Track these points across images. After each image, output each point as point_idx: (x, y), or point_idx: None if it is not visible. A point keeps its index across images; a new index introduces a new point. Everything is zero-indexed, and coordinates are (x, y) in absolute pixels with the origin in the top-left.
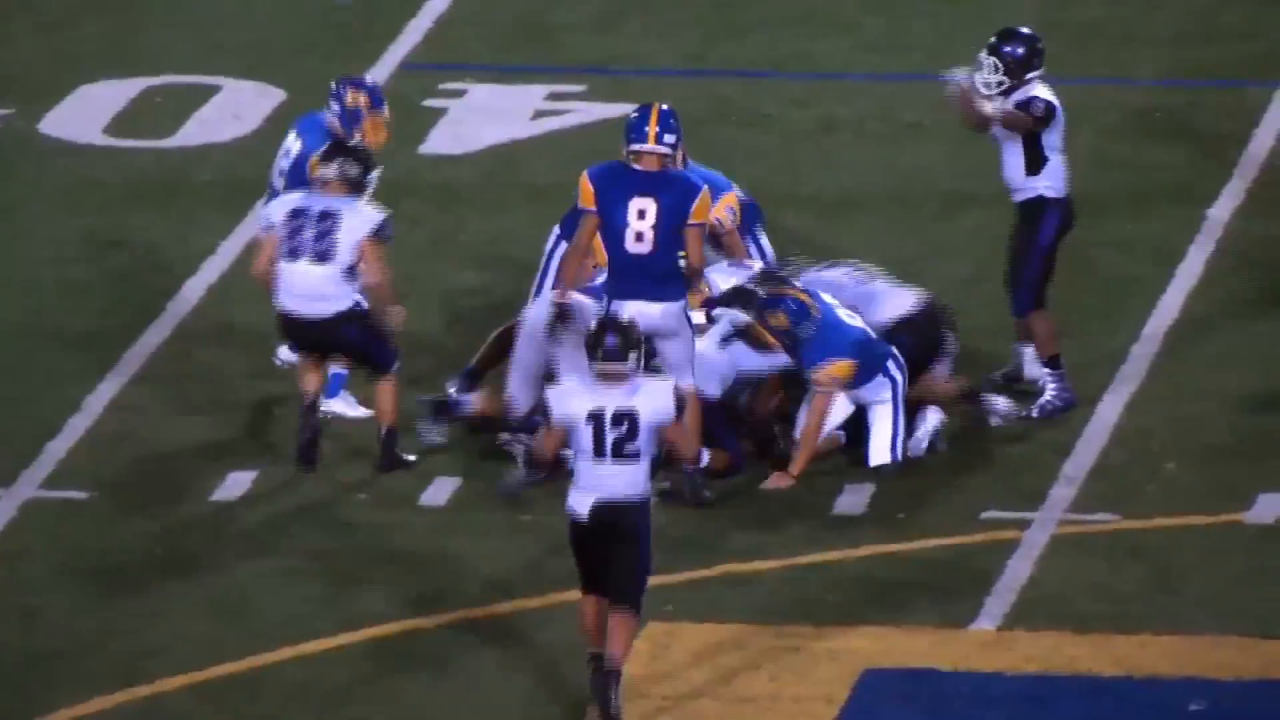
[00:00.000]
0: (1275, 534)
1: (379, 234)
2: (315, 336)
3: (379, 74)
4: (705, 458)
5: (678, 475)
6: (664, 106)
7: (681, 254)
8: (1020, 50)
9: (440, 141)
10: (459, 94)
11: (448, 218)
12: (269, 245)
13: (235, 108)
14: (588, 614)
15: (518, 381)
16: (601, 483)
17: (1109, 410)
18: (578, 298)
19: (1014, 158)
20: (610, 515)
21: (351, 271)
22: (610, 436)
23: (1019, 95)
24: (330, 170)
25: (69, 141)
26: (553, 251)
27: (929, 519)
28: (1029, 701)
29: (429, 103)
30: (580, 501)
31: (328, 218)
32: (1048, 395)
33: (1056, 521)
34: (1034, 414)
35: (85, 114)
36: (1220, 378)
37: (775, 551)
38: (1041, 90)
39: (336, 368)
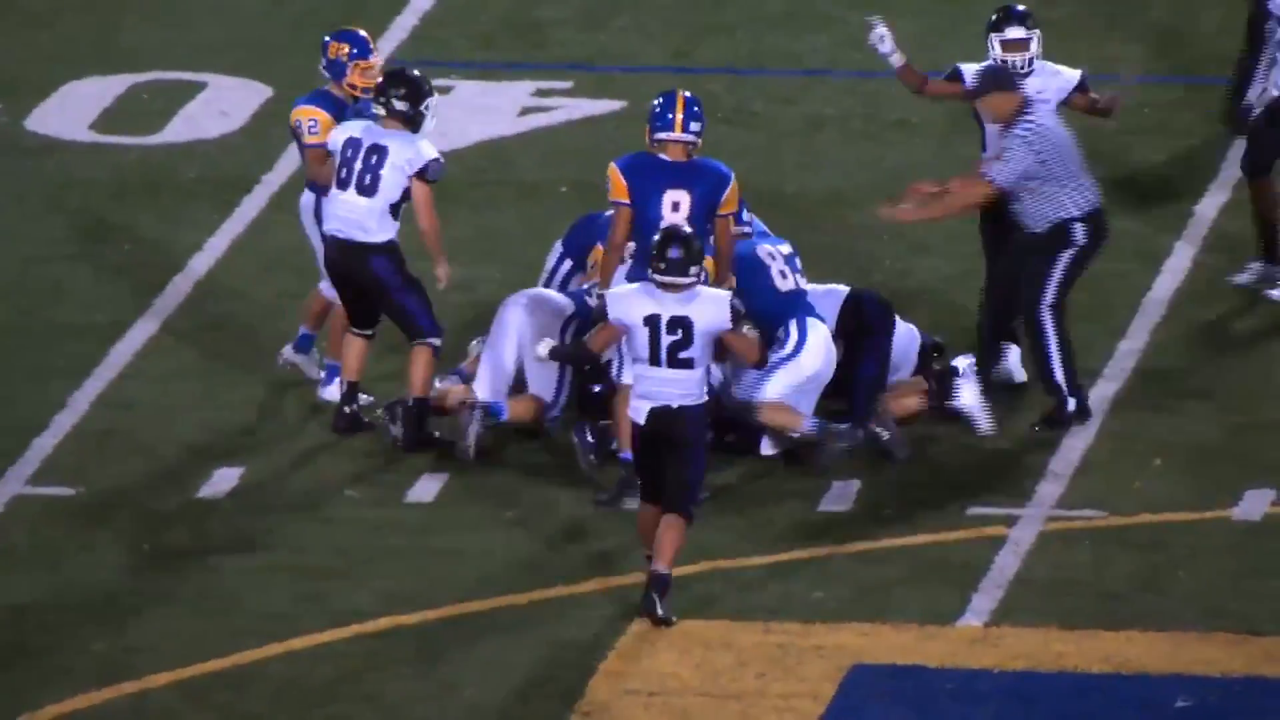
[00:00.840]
0: (1262, 530)
1: (424, 174)
2: (352, 265)
3: None
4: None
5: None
6: (688, 94)
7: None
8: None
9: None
10: (445, 91)
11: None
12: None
13: (222, 104)
14: (644, 520)
15: (486, 372)
16: (657, 389)
17: (1095, 407)
18: (531, 293)
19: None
20: (665, 421)
21: (395, 210)
22: (665, 342)
23: (1055, 74)
24: (380, 108)
25: (55, 138)
26: (555, 268)
27: (916, 515)
28: (1016, 698)
29: None
30: (638, 408)
31: (376, 152)
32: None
33: (1043, 518)
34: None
35: (71, 111)
36: (1207, 374)
37: (762, 548)
38: (1056, 66)
39: (304, 328)
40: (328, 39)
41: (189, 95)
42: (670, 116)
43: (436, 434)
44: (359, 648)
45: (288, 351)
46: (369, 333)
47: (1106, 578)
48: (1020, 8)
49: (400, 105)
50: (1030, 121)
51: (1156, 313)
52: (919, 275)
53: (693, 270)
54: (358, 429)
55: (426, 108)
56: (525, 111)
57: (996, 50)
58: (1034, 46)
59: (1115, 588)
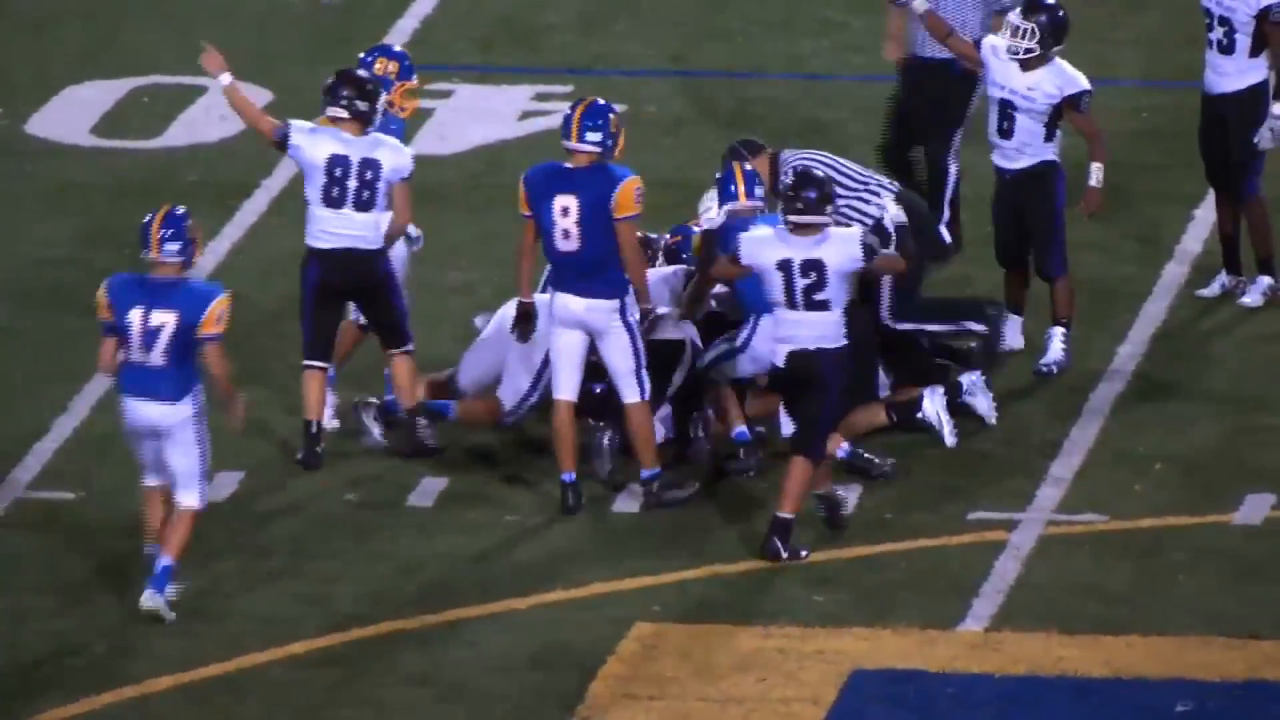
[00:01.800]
0: (1262, 535)
1: (410, 176)
2: (358, 273)
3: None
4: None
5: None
6: (596, 102)
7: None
8: (1055, 21)
9: (427, 142)
10: (445, 95)
11: (434, 218)
12: None
13: (222, 109)
14: (803, 479)
15: (468, 371)
16: (794, 332)
17: (1095, 412)
18: (538, 298)
19: (1036, 125)
20: (802, 364)
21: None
22: (799, 285)
23: (1056, 78)
24: (339, 110)
25: (56, 142)
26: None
27: (916, 520)
28: (1016, 702)
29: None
30: (777, 351)
31: (369, 167)
32: (1060, 355)
33: (1044, 522)
34: (1052, 370)
35: (72, 115)
36: (1207, 379)
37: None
38: (1073, 71)
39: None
40: (374, 52)
41: (189, 100)
42: (569, 126)
43: (432, 443)
44: (359, 652)
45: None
46: (326, 365)
47: (1107, 582)
48: (1037, 4)
49: (363, 106)
50: None
51: (1156, 317)
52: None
53: (827, 209)
54: (425, 453)
55: (379, 105)
56: (525, 115)
57: (1003, 30)
58: (1028, 38)
59: (1116, 592)
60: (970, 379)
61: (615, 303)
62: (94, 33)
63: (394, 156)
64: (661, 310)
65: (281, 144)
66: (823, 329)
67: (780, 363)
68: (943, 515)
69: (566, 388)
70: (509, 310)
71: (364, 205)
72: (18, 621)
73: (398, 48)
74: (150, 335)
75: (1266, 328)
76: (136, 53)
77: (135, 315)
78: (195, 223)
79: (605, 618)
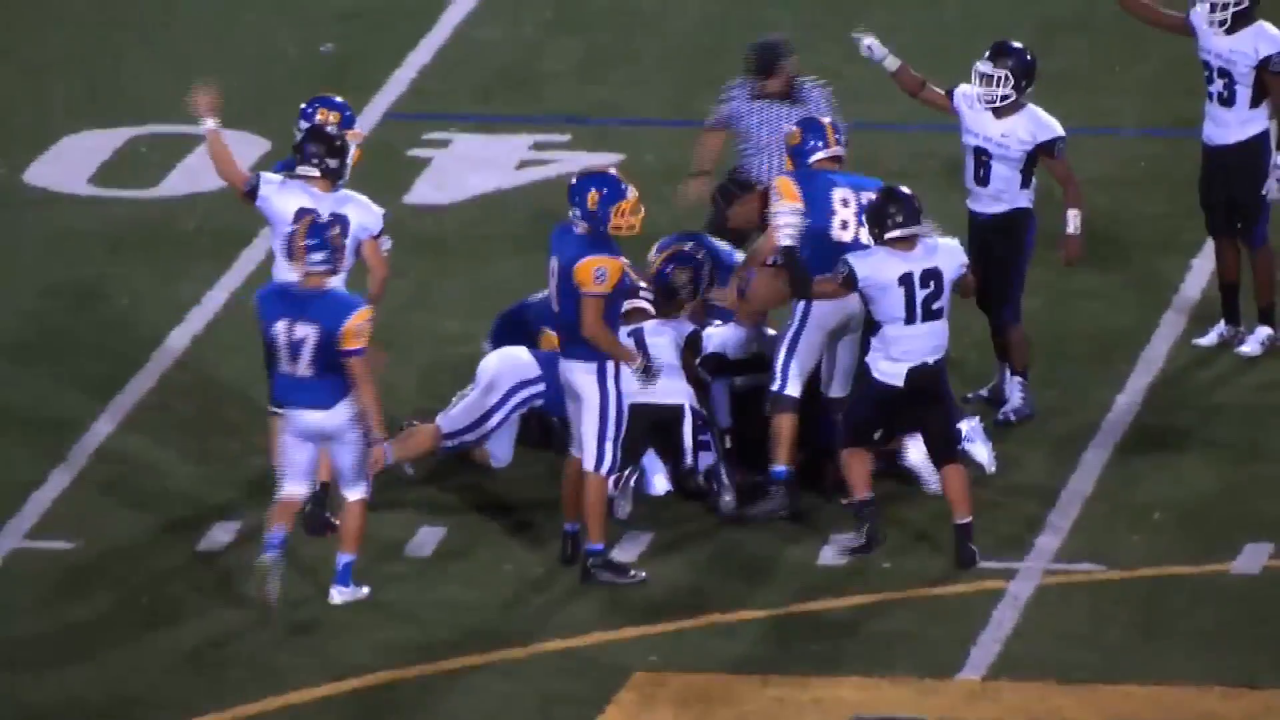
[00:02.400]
0: (1261, 584)
1: (381, 233)
2: None
3: (364, 124)
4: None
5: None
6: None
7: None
8: (1024, 64)
9: (425, 191)
10: (443, 144)
11: (432, 267)
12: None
13: None
14: (861, 467)
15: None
16: (914, 346)
17: (1094, 460)
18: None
19: (1011, 172)
20: (925, 378)
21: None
22: (920, 297)
23: (1030, 124)
24: (310, 168)
25: (54, 191)
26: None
27: (914, 568)
28: None
29: (414, 153)
30: (893, 371)
31: (339, 223)
32: (1019, 403)
33: (1042, 571)
34: (1011, 418)
35: (70, 164)
36: (1206, 428)
37: (760, 601)
38: (1047, 118)
39: None
40: (315, 103)
41: (187, 148)
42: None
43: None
44: (358, 701)
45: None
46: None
47: (1105, 631)
48: (1005, 44)
49: (332, 163)
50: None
51: (1155, 366)
52: None
53: (925, 220)
54: (328, 528)
55: (346, 161)
56: (523, 164)
57: (974, 79)
58: (1002, 85)
59: (1114, 641)
60: (970, 425)
61: (592, 365)
62: (92, 81)
63: (361, 213)
64: (665, 361)
65: (250, 195)
66: (940, 339)
67: (900, 382)
68: (940, 564)
69: (578, 444)
70: (489, 362)
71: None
72: (15, 671)
73: (339, 98)
74: (295, 347)
75: (1265, 377)
76: (134, 101)
77: (280, 327)
78: (339, 232)
79: (603, 667)
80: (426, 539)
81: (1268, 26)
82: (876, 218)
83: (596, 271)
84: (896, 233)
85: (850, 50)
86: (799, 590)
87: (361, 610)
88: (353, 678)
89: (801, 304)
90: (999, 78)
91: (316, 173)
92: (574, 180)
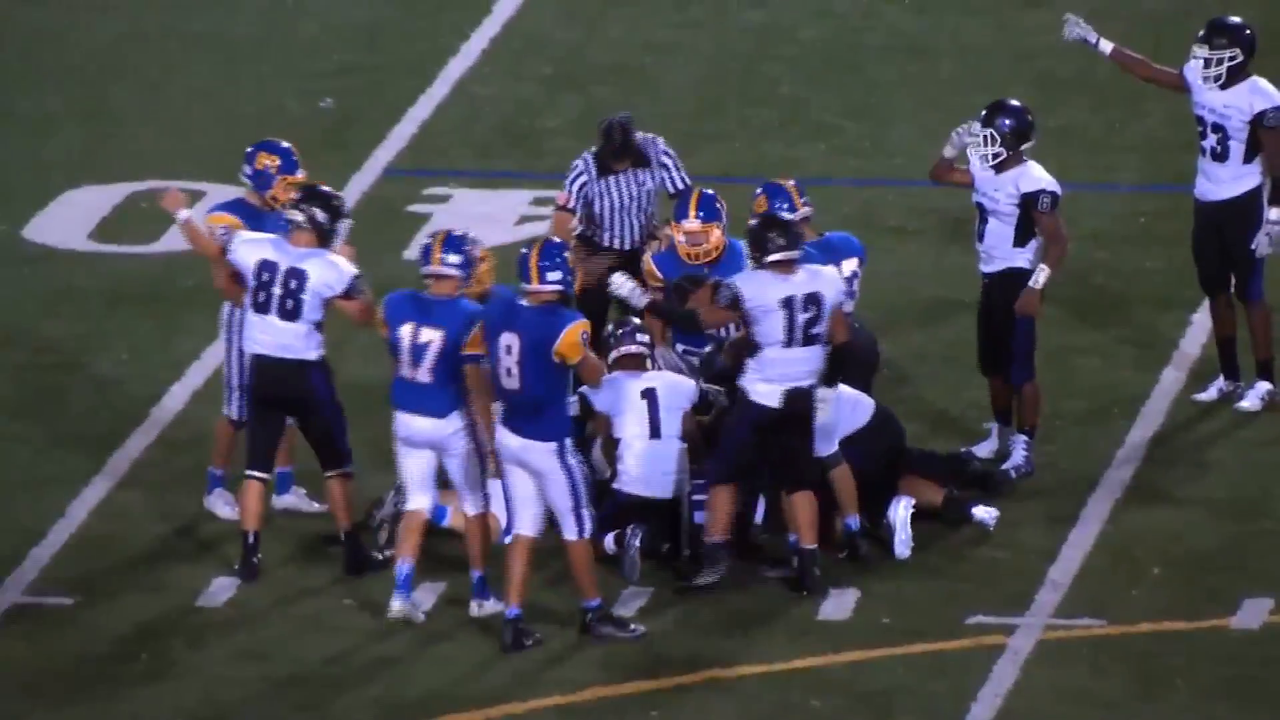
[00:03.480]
0: (1260, 639)
1: (350, 294)
2: (286, 383)
3: (363, 179)
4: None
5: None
6: (549, 241)
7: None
8: (1014, 121)
9: None
10: (443, 199)
11: None
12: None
13: None
14: (728, 507)
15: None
16: (791, 369)
17: (1094, 516)
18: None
19: (1005, 228)
20: (799, 401)
21: (320, 326)
22: (800, 320)
23: (1018, 178)
24: (299, 216)
25: (53, 247)
26: None
27: (914, 624)
28: None
29: (413, 208)
30: (768, 393)
31: (295, 276)
32: (1021, 460)
33: (1042, 627)
34: (1012, 475)
35: (69, 220)
36: (1205, 483)
37: (759, 657)
38: (1039, 172)
39: (281, 466)
40: (253, 150)
41: (187, 204)
42: (526, 266)
43: (378, 555)
44: None
45: (277, 501)
46: (265, 476)
47: (1104, 687)
48: (998, 103)
49: (322, 217)
50: None
51: (1154, 421)
52: (918, 383)
53: (800, 245)
54: (370, 568)
55: (340, 225)
56: (523, 220)
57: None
58: (991, 144)
59: (1113, 697)
60: (987, 512)
61: (554, 445)
62: (91, 136)
63: (324, 271)
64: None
65: (223, 252)
66: (815, 363)
67: (776, 403)
68: (941, 619)
69: (524, 522)
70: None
71: (288, 314)
72: None
73: (284, 143)
74: (418, 351)
75: (1264, 432)
76: (134, 156)
77: (406, 330)
78: (476, 243)
79: None
80: (426, 592)
81: (1262, 82)
82: (756, 242)
83: (583, 336)
84: (776, 255)
85: (849, 104)
86: (799, 645)
87: (360, 666)
88: None
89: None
90: (987, 137)
91: (305, 224)
92: (543, 250)
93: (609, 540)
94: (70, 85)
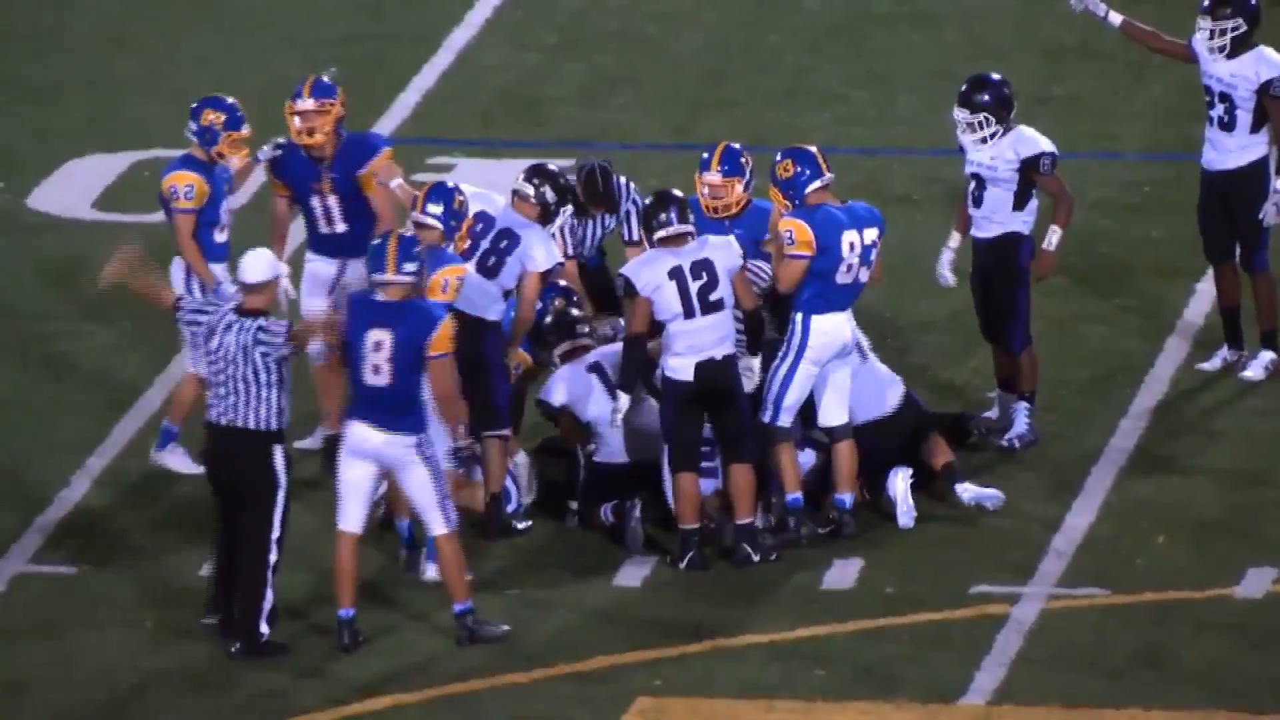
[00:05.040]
0: (1264, 608)
1: (549, 272)
2: (461, 340)
3: None
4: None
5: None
6: (404, 236)
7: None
8: (995, 95)
9: None
10: (447, 169)
11: None
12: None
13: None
14: (685, 487)
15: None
16: (698, 340)
17: (1098, 485)
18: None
19: (1004, 193)
20: (714, 372)
21: (507, 295)
22: (694, 288)
23: (1015, 143)
24: (529, 190)
25: (58, 216)
26: None
27: (918, 593)
28: None
29: (417, 177)
30: (680, 367)
31: (506, 237)
32: (1024, 429)
33: (1046, 596)
34: (1015, 444)
35: (74, 189)
36: (1209, 452)
37: (763, 626)
38: (1032, 134)
39: (169, 421)
40: (198, 105)
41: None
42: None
43: (520, 525)
44: None
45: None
46: (505, 432)
47: (1109, 656)
48: (976, 83)
49: (550, 197)
50: None
51: (1158, 391)
52: (922, 352)
53: (691, 218)
54: (508, 534)
55: (563, 209)
56: None
57: (959, 129)
58: (982, 128)
59: (1118, 666)
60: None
61: (414, 439)
62: (96, 106)
63: (536, 245)
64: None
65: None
66: (722, 330)
67: (689, 376)
68: (945, 589)
69: (352, 520)
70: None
71: (487, 271)
72: (18, 695)
73: (229, 99)
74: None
75: (1268, 401)
76: (138, 126)
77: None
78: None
79: (607, 692)
80: (430, 564)
81: (1268, 51)
82: (647, 222)
83: (454, 332)
84: (663, 232)
85: (851, 75)
86: (803, 615)
87: (365, 634)
88: (356, 702)
89: (796, 337)
90: (977, 121)
91: (531, 193)
92: (401, 242)
93: (605, 510)
94: (75, 54)
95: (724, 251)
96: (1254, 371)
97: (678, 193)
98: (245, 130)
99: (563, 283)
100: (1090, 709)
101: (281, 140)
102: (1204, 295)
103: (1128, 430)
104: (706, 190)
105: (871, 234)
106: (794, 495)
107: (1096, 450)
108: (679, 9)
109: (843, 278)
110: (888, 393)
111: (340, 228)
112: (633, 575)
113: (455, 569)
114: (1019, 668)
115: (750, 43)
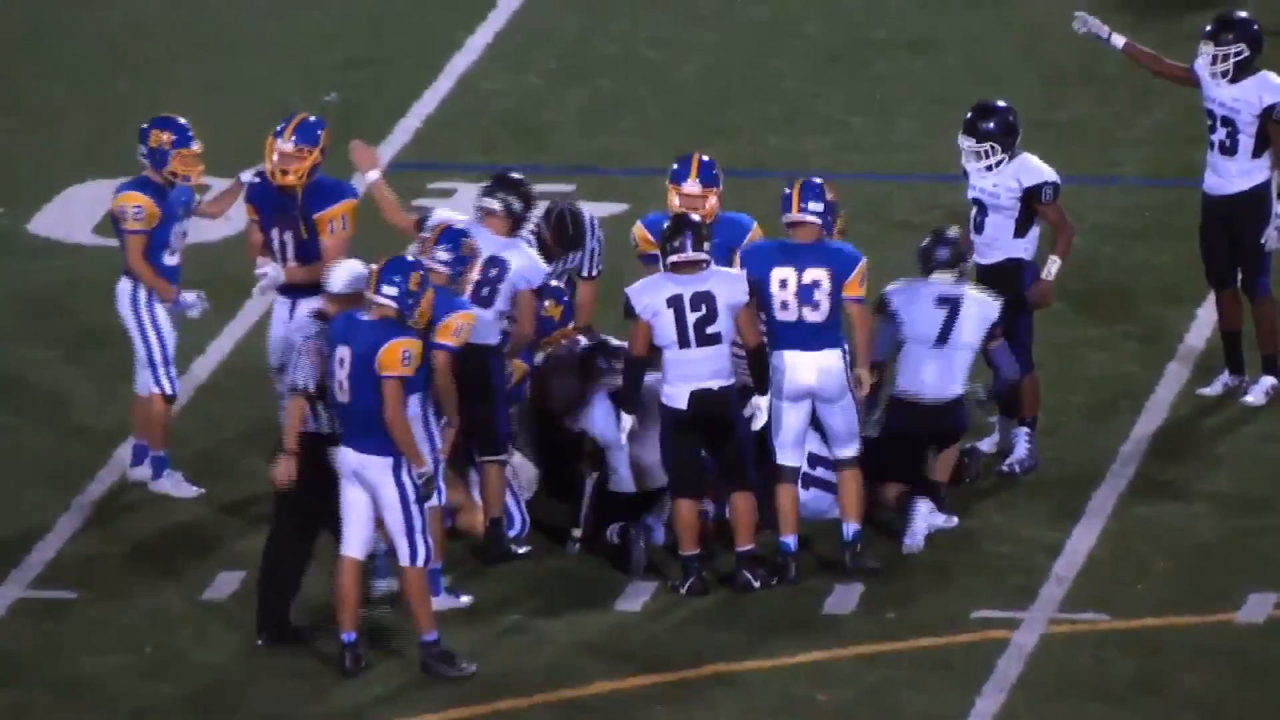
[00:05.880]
0: (1265, 634)
1: (541, 291)
2: (466, 368)
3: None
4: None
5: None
6: (398, 259)
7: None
8: (1000, 123)
9: None
10: (448, 194)
11: None
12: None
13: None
14: (684, 514)
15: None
16: (692, 370)
17: (1098, 510)
18: None
19: (1005, 220)
20: (710, 403)
21: (503, 315)
22: (691, 319)
23: (1018, 172)
24: (495, 204)
25: (58, 241)
26: None
27: (919, 618)
28: None
29: (418, 202)
30: (675, 394)
31: (496, 265)
32: (1024, 454)
33: (1046, 621)
34: (1016, 470)
35: (74, 214)
36: (1210, 478)
37: (764, 651)
38: (1036, 164)
39: (155, 450)
40: (146, 127)
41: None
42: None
43: (517, 550)
44: None
45: (153, 485)
46: (504, 457)
47: (1109, 681)
48: (982, 110)
49: (517, 206)
50: None
51: (1159, 416)
52: None
53: (705, 246)
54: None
55: (532, 213)
56: None
57: (964, 156)
58: (987, 156)
59: (1117, 691)
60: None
61: (389, 460)
62: (96, 131)
63: (524, 263)
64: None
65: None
66: (717, 364)
67: (684, 404)
68: (945, 614)
69: (353, 544)
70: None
71: (482, 301)
72: (19, 718)
73: (179, 119)
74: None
75: (1269, 426)
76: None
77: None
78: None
79: (608, 717)
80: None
81: (1271, 76)
82: (663, 246)
83: (404, 354)
84: (675, 257)
85: (854, 99)
86: (803, 640)
87: (366, 659)
88: None
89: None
90: (984, 150)
91: (498, 206)
92: (386, 265)
93: (612, 532)
94: (75, 78)
95: (730, 286)
96: (1255, 397)
97: (696, 217)
98: (196, 146)
99: (555, 283)
100: None
101: (263, 167)
102: (1205, 320)
103: (1128, 455)
104: (679, 201)
105: (816, 274)
106: (786, 538)
107: (1097, 475)
108: (680, 35)
109: (780, 314)
110: (948, 386)
111: (293, 265)
112: (633, 601)
113: (418, 600)
114: (1019, 693)
115: (751, 68)
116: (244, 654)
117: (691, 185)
